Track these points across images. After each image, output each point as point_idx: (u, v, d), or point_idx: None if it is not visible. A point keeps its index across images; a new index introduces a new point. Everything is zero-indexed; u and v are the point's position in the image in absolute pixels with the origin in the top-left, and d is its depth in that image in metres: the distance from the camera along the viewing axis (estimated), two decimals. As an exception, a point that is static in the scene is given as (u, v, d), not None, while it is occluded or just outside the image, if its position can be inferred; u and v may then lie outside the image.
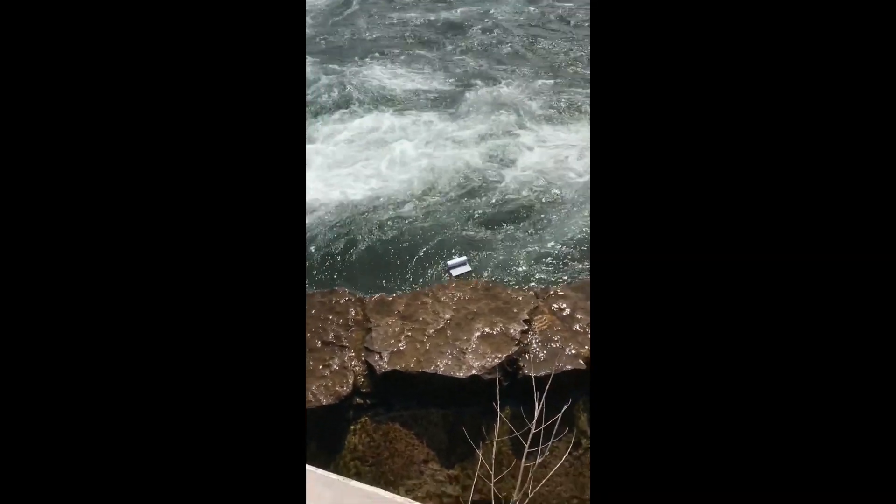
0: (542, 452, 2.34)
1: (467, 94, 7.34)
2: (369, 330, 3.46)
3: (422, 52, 8.69)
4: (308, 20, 9.43)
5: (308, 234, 5.06)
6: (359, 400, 3.25)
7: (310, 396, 3.19)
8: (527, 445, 2.28)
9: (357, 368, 3.32)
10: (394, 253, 4.98)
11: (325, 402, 3.18)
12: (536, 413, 2.27)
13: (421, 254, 4.95)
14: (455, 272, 4.64)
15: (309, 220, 5.19)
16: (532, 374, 2.82)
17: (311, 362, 3.32)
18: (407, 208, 5.47)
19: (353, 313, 3.59)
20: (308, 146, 6.07)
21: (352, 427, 3.23)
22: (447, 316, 3.47)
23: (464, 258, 4.78)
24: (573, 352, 3.22)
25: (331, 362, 3.33)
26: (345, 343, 3.43)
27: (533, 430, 2.28)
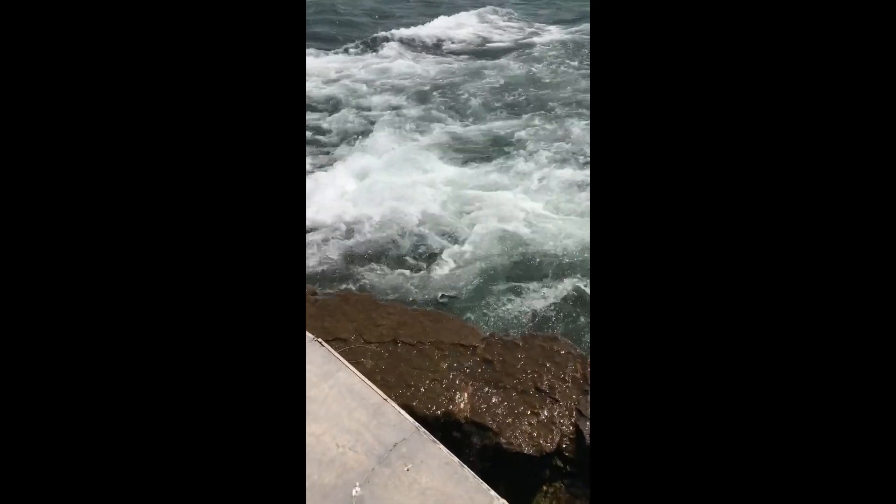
0: None
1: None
2: (587, 392, 3.27)
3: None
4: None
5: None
6: (559, 463, 3.07)
7: (511, 439, 3.08)
8: None
9: (566, 429, 3.13)
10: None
11: (525, 450, 3.04)
12: None
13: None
14: None
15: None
16: None
17: (521, 406, 3.21)
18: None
19: (570, 368, 3.43)
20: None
21: (544, 487, 3.05)
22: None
23: None
24: None
25: (540, 412, 3.19)
26: (558, 397, 3.27)
27: None
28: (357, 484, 2.28)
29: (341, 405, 2.61)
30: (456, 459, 2.44)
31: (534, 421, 3.16)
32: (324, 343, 2.96)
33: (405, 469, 2.37)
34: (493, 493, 2.34)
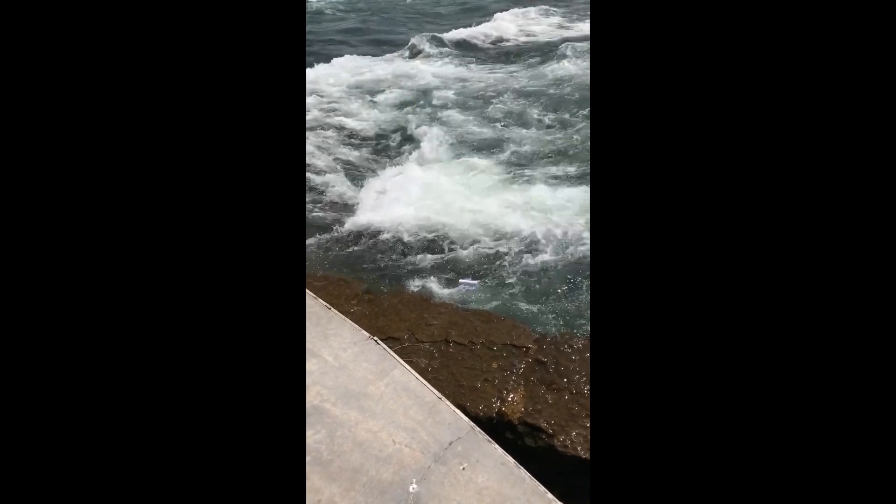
0: None
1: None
2: (643, 397, 3.20)
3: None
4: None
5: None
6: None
7: (566, 441, 3.04)
8: None
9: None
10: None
11: (581, 454, 2.99)
12: None
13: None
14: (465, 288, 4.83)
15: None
16: None
17: (576, 407, 3.16)
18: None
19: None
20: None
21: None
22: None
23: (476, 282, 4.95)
24: None
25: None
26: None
27: None
28: (414, 481, 2.30)
29: (397, 403, 2.65)
30: (512, 460, 2.44)
31: (589, 423, 3.11)
32: (379, 341, 3.00)
33: (461, 468, 2.38)
34: (549, 495, 2.32)
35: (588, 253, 5.00)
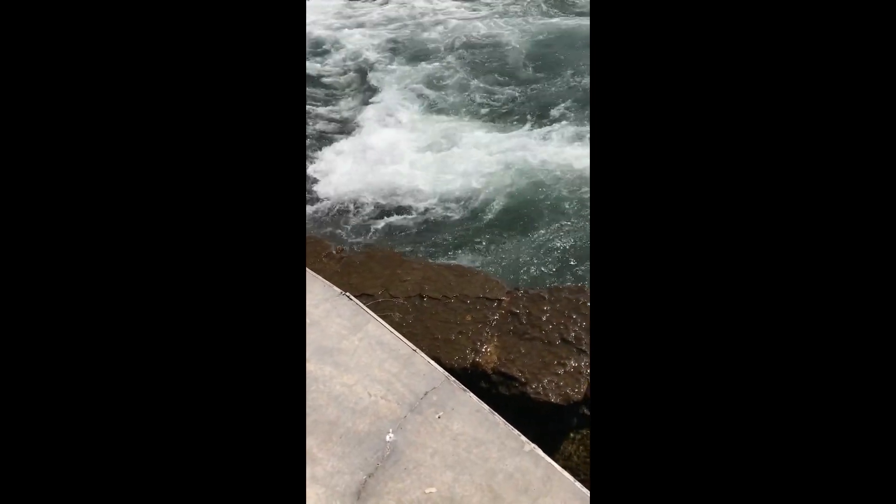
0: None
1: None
2: (613, 343, 3.28)
3: None
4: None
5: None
6: (586, 411, 3.10)
7: (539, 388, 3.12)
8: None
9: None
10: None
11: (553, 399, 3.08)
12: None
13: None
14: None
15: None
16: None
17: (548, 356, 3.23)
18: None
19: (596, 319, 3.43)
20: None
21: (571, 434, 3.10)
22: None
23: None
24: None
25: (567, 362, 3.21)
26: (584, 348, 3.28)
27: None
28: (390, 430, 2.34)
29: (371, 356, 2.66)
30: (486, 407, 2.49)
31: (560, 371, 3.18)
32: (352, 297, 3.00)
33: (436, 416, 2.42)
34: (523, 438, 2.39)
35: (564, 199, 5.04)
